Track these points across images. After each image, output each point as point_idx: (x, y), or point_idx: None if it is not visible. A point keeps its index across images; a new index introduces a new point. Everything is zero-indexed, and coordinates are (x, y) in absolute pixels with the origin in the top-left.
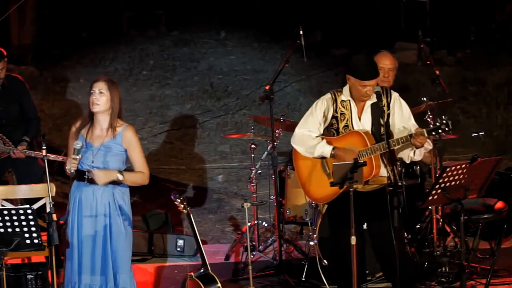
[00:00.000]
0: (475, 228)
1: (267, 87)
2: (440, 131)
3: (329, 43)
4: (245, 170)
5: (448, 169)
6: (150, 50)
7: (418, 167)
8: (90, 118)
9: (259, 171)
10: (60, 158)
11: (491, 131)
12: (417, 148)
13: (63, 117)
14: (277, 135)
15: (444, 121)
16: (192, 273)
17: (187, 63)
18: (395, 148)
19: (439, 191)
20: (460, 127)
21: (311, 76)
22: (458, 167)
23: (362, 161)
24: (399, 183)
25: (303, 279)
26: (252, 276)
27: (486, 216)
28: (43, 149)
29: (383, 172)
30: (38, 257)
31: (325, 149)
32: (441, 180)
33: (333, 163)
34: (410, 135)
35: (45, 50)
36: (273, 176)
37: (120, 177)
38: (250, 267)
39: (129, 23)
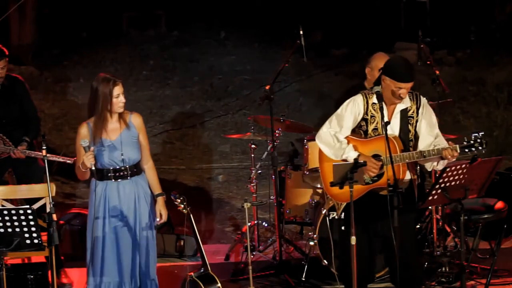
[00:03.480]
0: (475, 228)
1: (267, 87)
2: (473, 149)
3: (329, 43)
4: (245, 170)
5: (448, 169)
6: (150, 50)
7: (418, 167)
8: (103, 118)
9: (259, 171)
10: (60, 158)
11: (491, 131)
12: (443, 159)
13: (63, 117)
14: (277, 135)
15: (479, 139)
16: (192, 273)
17: (187, 63)
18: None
19: (439, 191)
20: (460, 127)
21: (311, 76)
22: (458, 167)
23: (362, 161)
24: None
25: (303, 279)
26: (252, 276)
27: (486, 216)
28: (43, 149)
29: (407, 176)
30: (38, 257)
31: (350, 155)
32: (441, 180)
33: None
34: (442, 148)
35: (45, 50)
36: (273, 176)
37: (163, 194)
38: (250, 267)
39: (129, 23)
